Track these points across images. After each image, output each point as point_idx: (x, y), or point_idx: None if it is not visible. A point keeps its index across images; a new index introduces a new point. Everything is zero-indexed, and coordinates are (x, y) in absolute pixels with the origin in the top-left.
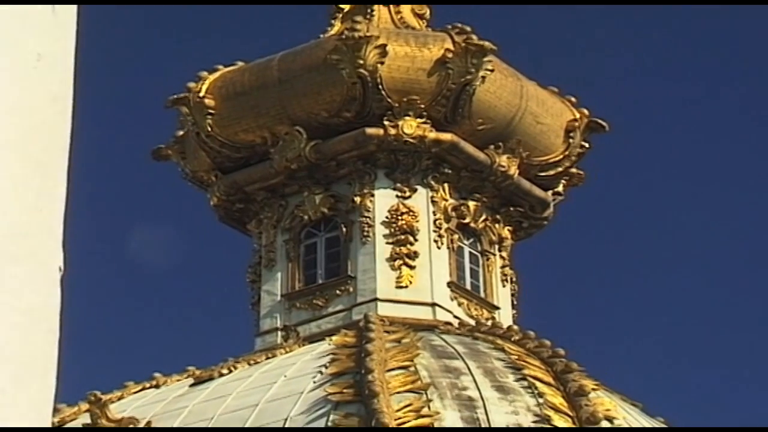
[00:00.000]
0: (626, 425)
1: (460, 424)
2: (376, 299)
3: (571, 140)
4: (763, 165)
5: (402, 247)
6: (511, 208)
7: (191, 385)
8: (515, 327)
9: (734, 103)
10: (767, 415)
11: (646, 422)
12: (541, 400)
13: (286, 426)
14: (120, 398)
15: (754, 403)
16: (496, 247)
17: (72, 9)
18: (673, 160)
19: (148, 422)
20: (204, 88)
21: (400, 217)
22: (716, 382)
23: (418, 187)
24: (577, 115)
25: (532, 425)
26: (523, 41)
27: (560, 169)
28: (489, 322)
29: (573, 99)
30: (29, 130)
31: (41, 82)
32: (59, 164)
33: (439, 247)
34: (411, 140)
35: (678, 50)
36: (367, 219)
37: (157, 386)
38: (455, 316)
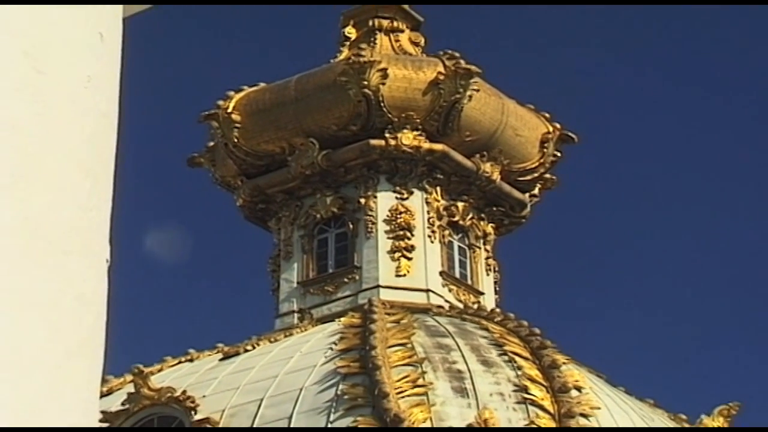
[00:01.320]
0: (593, 394)
1: (450, 394)
2: (378, 286)
3: (545, 150)
4: (707, 162)
5: (401, 242)
6: (494, 208)
7: (221, 360)
8: (497, 310)
9: (686, 115)
10: (722, 388)
11: (609, 391)
12: (519, 372)
13: (301, 395)
14: (159, 370)
15: (709, 375)
16: (481, 241)
17: (118, 37)
18: (633, 167)
19: (184, 391)
20: (231, 105)
21: (399, 216)
22: (670, 357)
23: (415, 190)
24: (551, 129)
25: (512, 394)
26: (504, 65)
27: (536, 174)
28: (475, 306)
29: (547, 115)
30: (82, 142)
31: (91, 100)
32: (107, 171)
33: (432, 242)
34: (408, 150)
35: (637, 73)
36: (371, 217)
37: (191, 360)
38: (446, 301)
